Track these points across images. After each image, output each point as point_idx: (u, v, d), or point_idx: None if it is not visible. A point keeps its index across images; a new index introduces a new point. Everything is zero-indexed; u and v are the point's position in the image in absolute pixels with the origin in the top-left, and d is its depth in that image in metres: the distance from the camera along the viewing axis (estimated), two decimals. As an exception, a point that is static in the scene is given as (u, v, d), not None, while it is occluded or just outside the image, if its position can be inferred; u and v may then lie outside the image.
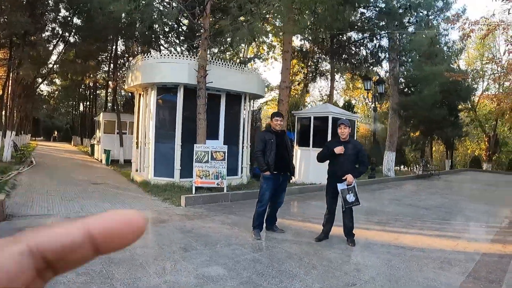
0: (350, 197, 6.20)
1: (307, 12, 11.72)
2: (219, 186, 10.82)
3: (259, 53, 29.11)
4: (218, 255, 5.52)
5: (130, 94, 30.85)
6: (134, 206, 9.11)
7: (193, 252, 5.58)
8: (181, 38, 16.50)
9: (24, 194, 9.75)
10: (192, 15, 12.16)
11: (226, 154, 11.00)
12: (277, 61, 33.10)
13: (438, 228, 8.28)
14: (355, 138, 15.65)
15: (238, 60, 17.18)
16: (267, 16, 11.68)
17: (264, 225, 6.88)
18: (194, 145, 10.93)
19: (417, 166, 24.23)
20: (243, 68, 13.21)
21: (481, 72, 32.01)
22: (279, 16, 11.18)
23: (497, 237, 7.56)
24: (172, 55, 11.73)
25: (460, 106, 29.98)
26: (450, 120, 26.71)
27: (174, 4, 12.87)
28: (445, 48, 26.41)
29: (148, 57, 12.21)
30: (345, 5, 16.83)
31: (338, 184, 6.22)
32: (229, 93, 12.76)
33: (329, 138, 14.06)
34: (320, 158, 6.65)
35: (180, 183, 11.51)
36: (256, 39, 17.71)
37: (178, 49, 16.56)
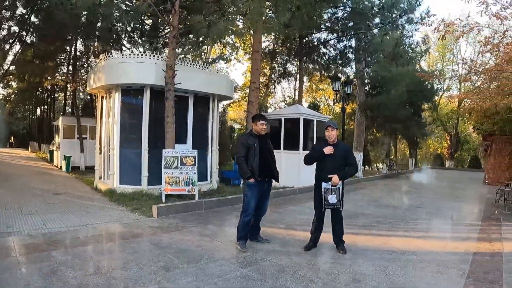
0: (332, 198, 5.92)
1: (284, 9, 11.23)
2: (190, 193, 10.28)
3: (223, 54, 28.65)
4: (205, 273, 5.00)
5: (89, 97, 29.80)
6: (101, 218, 8.37)
7: (176, 272, 5.01)
8: (143, 38, 15.83)
9: (-22, 209, 8.84)
10: (159, 12, 11.51)
11: (196, 159, 10.48)
12: (240, 62, 32.87)
13: (423, 229, 8.30)
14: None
15: (200, 62, 16.60)
16: (242, 13, 11.16)
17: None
18: (163, 150, 10.33)
19: (386, 165, 24.32)
20: (211, 69, 12.69)
21: (453, 73, 32.86)
22: (253, 13, 10.68)
23: (482, 235, 7.64)
24: (138, 55, 11.02)
25: (424, 106, 30.52)
26: (414, 119, 27.09)
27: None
28: (408, 50, 26.70)
29: (112, 56, 11.48)
30: (322, 3, 16.55)
31: (323, 183, 5.96)
32: (197, 94, 12.21)
33: (301, 140, 13.80)
34: (308, 160, 6.36)
35: (148, 191, 10.83)
36: (226, 37, 17.13)
37: (141, 49, 15.88)
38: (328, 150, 5.98)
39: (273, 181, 6.63)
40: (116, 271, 4.95)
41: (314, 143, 14.44)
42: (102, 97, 12.96)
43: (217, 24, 10.98)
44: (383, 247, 6.46)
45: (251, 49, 27.90)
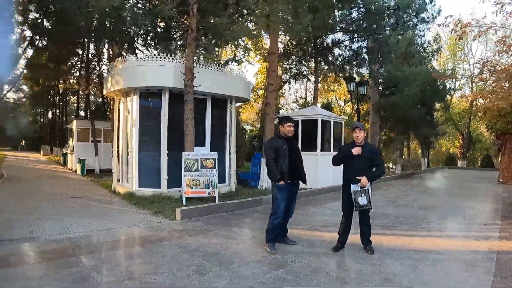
0: (363, 200, 5.93)
1: (305, 11, 11.16)
2: (210, 195, 10.23)
3: (235, 56, 28.62)
4: (238, 276, 4.96)
5: (101, 100, 29.90)
6: (124, 221, 8.33)
7: (210, 275, 4.97)
8: (156, 41, 15.83)
9: (-1, 214, 8.83)
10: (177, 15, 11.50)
11: (216, 161, 10.45)
12: (251, 64, 32.84)
13: (444, 229, 8.35)
14: (343, 140, 15.40)
15: (213, 64, 16.51)
16: (262, 14, 11.10)
17: None
18: (183, 153, 10.30)
19: (400, 165, 24.19)
20: (228, 71, 12.69)
21: (465, 72, 32.70)
22: (274, 15, 10.64)
23: (503, 234, 7.61)
24: (156, 57, 11.00)
25: (436, 106, 30.39)
26: (427, 119, 26.98)
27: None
28: (420, 49, 26.58)
29: (129, 59, 11.48)
30: (342, 4, 16.54)
31: (352, 185, 5.97)
32: (215, 97, 12.16)
33: (318, 141, 13.77)
34: (336, 161, 6.39)
35: (167, 193, 10.80)
36: (240, 39, 17.08)
37: (155, 52, 15.91)
38: (356, 151, 5.98)
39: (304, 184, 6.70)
40: (149, 276, 4.89)
41: (331, 144, 14.43)
42: (119, 100, 12.97)
43: (238, 26, 10.95)
44: (408, 247, 6.49)
45: (262, 51, 28.07)
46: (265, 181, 13.02)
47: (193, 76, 10.40)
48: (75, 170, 20.14)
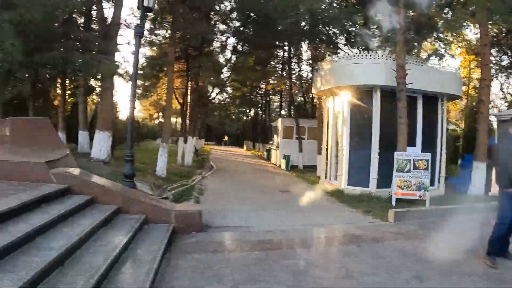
0: None
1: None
2: (421, 198, 9.75)
3: (436, 50, 26.98)
4: (459, 288, 4.66)
5: (302, 98, 31.14)
6: (335, 219, 8.50)
7: (429, 284, 4.73)
8: (356, 39, 15.82)
9: (214, 201, 9.70)
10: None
11: (429, 162, 9.92)
12: (453, 57, 30.55)
13: None
14: None
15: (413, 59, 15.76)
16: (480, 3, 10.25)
17: None
18: (395, 152, 10.07)
19: None
20: (439, 67, 12.03)
21: None
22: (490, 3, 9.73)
23: None
24: (364, 55, 11.00)
25: None
26: None
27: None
28: None
29: (337, 59, 11.72)
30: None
31: None
32: (425, 94, 11.62)
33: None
34: None
35: (376, 193, 10.70)
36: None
37: (355, 50, 15.94)
38: None
39: None
40: (367, 276, 4.86)
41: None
42: (328, 99, 13.29)
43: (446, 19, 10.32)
44: None
45: (464, 43, 25.82)
46: (476, 186, 11.84)
47: (405, 73, 10.11)
48: (279, 165, 21.42)
